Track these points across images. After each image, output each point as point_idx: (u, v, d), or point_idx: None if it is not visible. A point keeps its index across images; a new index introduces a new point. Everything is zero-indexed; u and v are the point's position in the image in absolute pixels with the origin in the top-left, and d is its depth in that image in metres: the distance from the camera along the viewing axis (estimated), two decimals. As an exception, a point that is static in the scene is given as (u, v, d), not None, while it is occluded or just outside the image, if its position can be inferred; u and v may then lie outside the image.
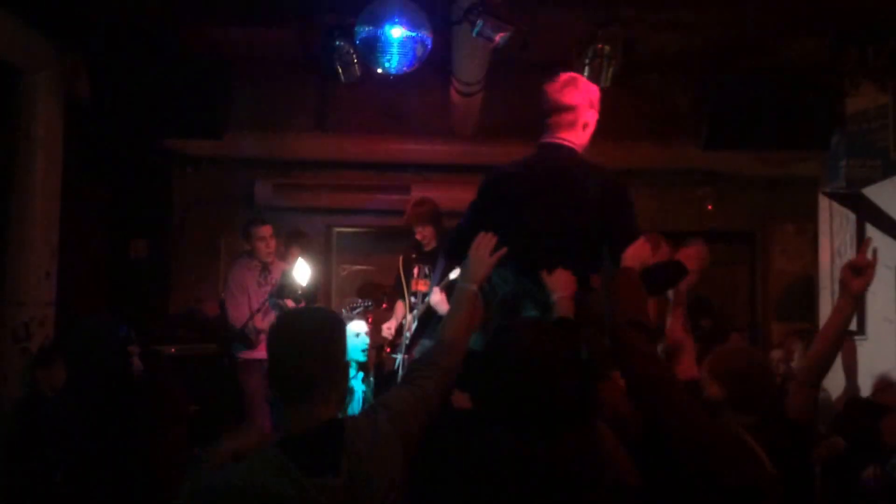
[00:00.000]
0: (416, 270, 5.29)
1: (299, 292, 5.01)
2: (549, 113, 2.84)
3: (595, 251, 2.72)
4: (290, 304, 4.99)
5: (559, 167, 2.80)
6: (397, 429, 1.82)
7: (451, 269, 5.08)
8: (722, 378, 2.36)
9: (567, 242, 2.74)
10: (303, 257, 5.05)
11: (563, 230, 2.73)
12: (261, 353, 4.99)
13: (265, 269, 5.32)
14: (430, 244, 5.26)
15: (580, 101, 2.82)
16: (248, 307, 5.26)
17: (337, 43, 4.75)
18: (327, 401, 1.76)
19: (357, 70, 4.90)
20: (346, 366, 1.87)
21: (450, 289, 5.09)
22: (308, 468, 1.65)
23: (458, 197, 6.59)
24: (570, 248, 2.73)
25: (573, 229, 2.73)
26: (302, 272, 5.03)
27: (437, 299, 5.06)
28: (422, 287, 5.24)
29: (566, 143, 2.82)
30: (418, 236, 5.27)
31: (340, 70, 4.89)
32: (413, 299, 5.22)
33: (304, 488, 1.62)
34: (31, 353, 4.51)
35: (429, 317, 5.14)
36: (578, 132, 2.83)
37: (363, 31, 3.83)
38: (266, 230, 5.31)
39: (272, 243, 5.34)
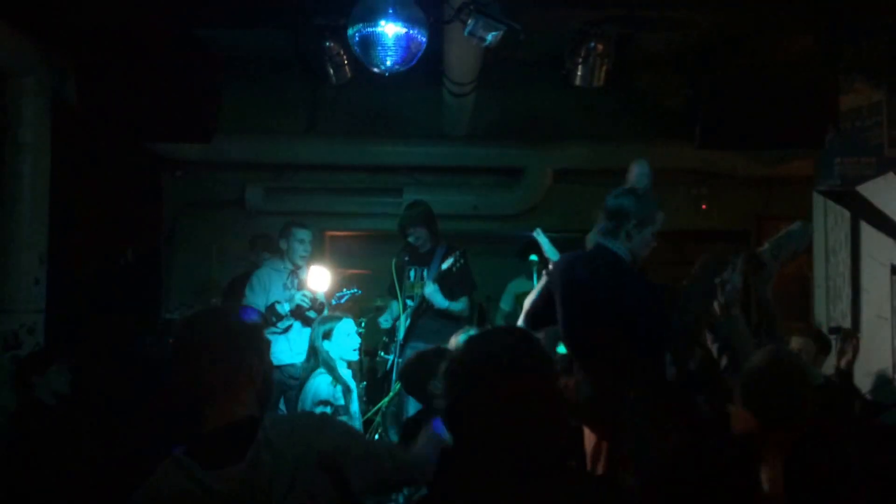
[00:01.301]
0: (410, 274, 5.24)
1: (320, 301, 4.98)
2: (604, 217, 3.27)
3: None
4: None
5: (598, 268, 3.20)
6: (315, 440, 1.84)
7: (444, 261, 5.03)
8: (754, 403, 2.15)
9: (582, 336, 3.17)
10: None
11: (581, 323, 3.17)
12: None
13: (293, 273, 5.24)
14: (423, 246, 5.22)
15: (623, 213, 3.20)
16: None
17: (327, 44, 4.72)
18: (239, 401, 1.83)
19: (348, 71, 4.86)
20: (259, 367, 1.90)
21: (443, 280, 5.04)
22: (210, 462, 1.73)
23: (450, 199, 6.65)
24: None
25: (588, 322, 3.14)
26: (319, 279, 4.99)
27: (431, 291, 5.02)
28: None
29: (611, 247, 3.22)
30: (412, 238, 5.23)
31: (331, 71, 4.86)
32: (408, 302, 5.17)
33: (200, 481, 1.70)
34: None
35: (422, 312, 5.09)
36: (622, 240, 3.21)
37: (356, 27, 3.77)
38: (307, 233, 5.27)
39: (309, 248, 5.29)
